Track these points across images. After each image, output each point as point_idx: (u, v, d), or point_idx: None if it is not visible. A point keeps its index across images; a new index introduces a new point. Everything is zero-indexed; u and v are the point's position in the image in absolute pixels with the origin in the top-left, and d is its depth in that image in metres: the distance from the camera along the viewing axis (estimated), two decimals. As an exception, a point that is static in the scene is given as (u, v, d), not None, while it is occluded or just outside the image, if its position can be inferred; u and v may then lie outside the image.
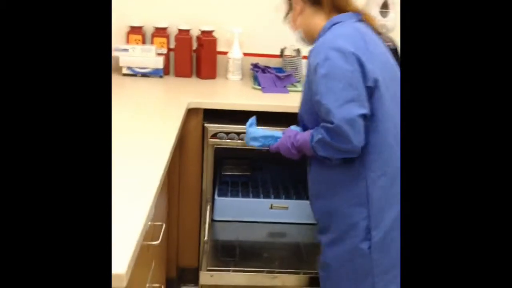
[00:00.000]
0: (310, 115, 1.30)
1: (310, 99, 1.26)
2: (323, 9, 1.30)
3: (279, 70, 2.13)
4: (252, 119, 1.47)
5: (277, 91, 1.95)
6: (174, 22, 2.14)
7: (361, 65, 1.17)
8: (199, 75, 2.16)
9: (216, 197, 1.90)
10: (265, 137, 1.42)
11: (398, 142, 1.22)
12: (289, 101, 1.83)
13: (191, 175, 1.82)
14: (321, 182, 1.33)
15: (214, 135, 1.75)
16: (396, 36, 2.28)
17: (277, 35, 2.18)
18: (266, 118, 1.62)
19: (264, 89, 1.96)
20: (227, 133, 1.74)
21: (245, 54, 2.15)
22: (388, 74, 1.24)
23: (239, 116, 1.75)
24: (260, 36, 2.20)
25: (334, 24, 1.27)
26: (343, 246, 1.28)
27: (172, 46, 2.15)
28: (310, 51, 1.27)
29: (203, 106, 1.77)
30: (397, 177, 1.22)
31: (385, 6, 2.09)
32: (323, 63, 1.18)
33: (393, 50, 1.35)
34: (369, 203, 1.23)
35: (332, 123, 1.16)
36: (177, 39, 2.12)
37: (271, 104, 1.80)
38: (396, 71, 1.29)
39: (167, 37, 2.13)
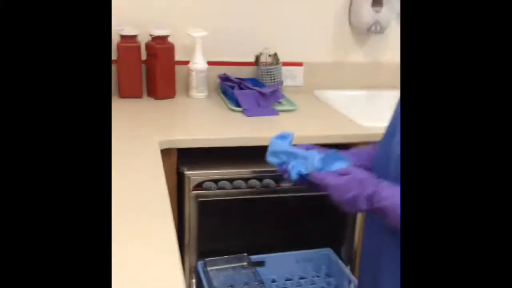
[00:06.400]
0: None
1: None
2: None
3: (254, 81, 1.72)
4: (289, 133, 1.03)
5: (264, 113, 1.54)
6: (114, 26, 1.60)
7: None
8: (153, 94, 1.66)
9: None
10: (288, 153, 0.96)
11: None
12: (285, 125, 1.44)
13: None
14: None
15: (199, 185, 1.30)
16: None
17: (248, 38, 1.78)
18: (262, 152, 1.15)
19: (246, 112, 1.53)
20: (216, 180, 1.30)
21: (210, 63, 1.70)
22: None
23: (223, 153, 1.32)
24: (227, 40, 1.76)
25: None
26: None
27: (114, 57, 1.62)
28: None
29: (176, 145, 1.31)
30: None
31: (377, 2, 1.76)
32: None
33: None
34: None
35: None
36: (120, 48, 1.60)
37: (263, 136, 1.24)
38: None
39: (105, 45, 1.60)
